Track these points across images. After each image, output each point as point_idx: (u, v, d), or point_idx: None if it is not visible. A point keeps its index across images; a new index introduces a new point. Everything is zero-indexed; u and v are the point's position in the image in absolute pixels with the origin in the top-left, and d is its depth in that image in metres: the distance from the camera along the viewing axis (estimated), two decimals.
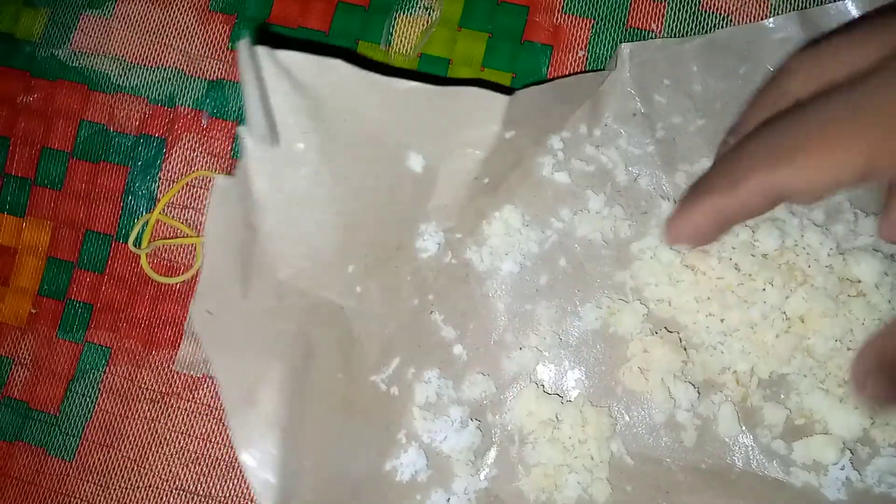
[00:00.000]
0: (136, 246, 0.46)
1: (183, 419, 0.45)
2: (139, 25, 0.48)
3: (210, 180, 0.47)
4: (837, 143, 0.28)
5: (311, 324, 0.40)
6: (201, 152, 0.47)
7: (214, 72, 0.48)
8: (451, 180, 0.41)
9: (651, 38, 0.45)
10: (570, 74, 0.44)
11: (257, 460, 0.37)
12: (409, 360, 0.42)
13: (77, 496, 0.45)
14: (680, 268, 0.40)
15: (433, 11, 0.47)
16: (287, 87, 0.36)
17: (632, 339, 0.41)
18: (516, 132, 0.40)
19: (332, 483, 0.39)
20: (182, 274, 0.46)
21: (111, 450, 0.45)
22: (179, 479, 0.44)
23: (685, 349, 0.40)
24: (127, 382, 0.45)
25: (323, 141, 0.37)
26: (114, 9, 0.49)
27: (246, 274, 0.38)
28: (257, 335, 0.39)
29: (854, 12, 0.41)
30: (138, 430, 0.45)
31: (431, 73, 0.46)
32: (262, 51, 0.35)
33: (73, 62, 0.49)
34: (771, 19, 0.41)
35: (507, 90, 0.39)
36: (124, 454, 0.45)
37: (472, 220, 0.42)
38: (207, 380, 0.45)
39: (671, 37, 0.45)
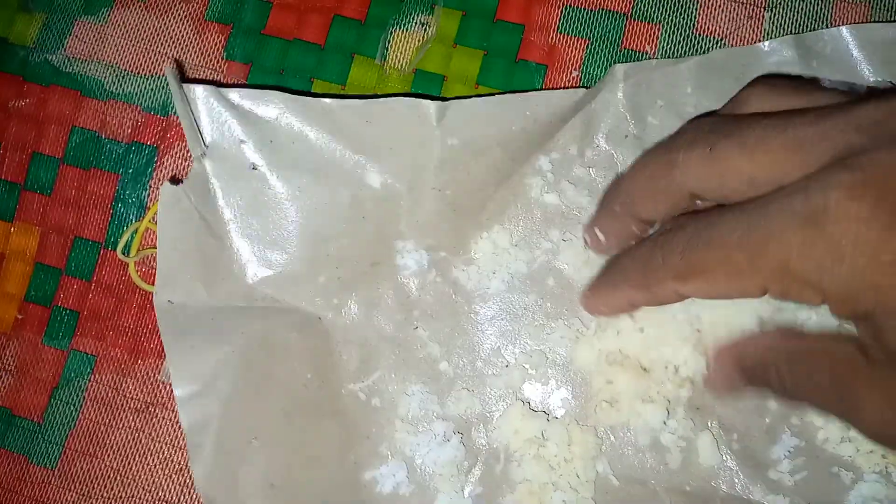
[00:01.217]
0: (124, 254, 0.46)
1: (168, 430, 0.44)
2: (134, 33, 0.48)
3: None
4: (734, 275, 0.30)
5: (281, 326, 0.42)
6: (192, 161, 0.47)
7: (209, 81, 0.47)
8: (413, 195, 0.42)
9: (645, 59, 0.45)
10: (512, 91, 0.44)
11: (193, 422, 0.41)
12: (392, 374, 0.42)
13: None
14: None
15: (429, 27, 0.47)
16: (235, 117, 0.41)
17: (593, 372, 0.41)
18: (460, 140, 0.41)
19: (289, 472, 0.41)
20: None
21: (94, 459, 0.45)
22: (163, 491, 0.44)
23: (646, 370, 0.40)
24: (112, 391, 0.45)
25: (274, 160, 0.41)
26: (109, 16, 0.49)
27: (210, 275, 0.41)
28: (218, 325, 0.41)
29: (848, 39, 0.41)
30: (122, 439, 0.45)
31: (426, 89, 0.46)
32: (203, 88, 0.40)
33: (66, 68, 0.49)
34: (766, 42, 0.42)
35: (441, 99, 0.41)
36: (108, 464, 0.45)
37: (457, 239, 0.43)
38: None
39: (665, 59, 0.45)
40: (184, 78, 0.45)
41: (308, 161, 0.41)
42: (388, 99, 0.41)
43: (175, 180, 0.39)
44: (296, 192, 0.41)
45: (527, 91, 0.43)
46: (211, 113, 0.40)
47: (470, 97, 0.41)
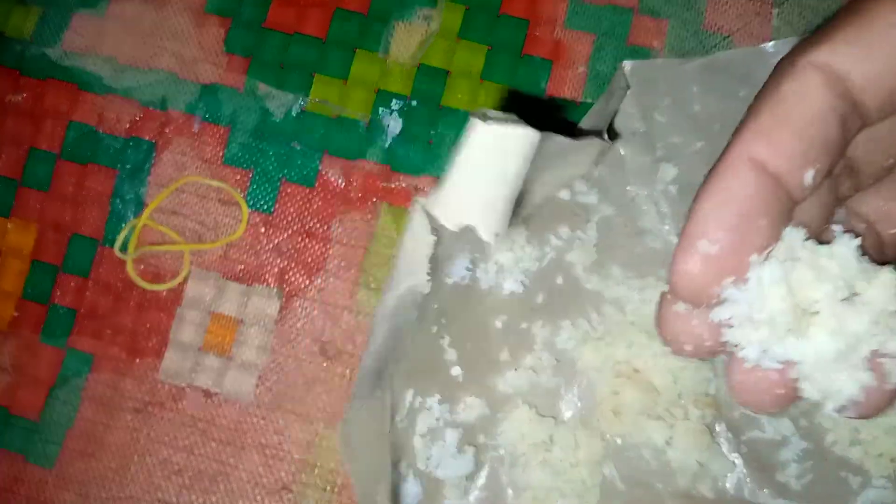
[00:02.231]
0: (122, 251, 0.45)
1: (166, 430, 0.44)
2: (132, 26, 0.48)
3: (200, 186, 0.46)
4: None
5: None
6: (192, 157, 0.46)
7: (208, 76, 0.47)
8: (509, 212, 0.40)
9: (653, 55, 0.44)
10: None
11: None
12: (419, 391, 0.41)
13: None
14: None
15: (432, 21, 0.46)
16: None
17: (599, 382, 0.40)
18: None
19: None
20: (168, 281, 0.45)
21: (92, 459, 0.44)
22: (161, 491, 0.43)
23: (655, 389, 0.40)
24: (110, 390, 0.45)
25: None
26: (107, 9, 0.48)
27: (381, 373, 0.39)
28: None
29: None
30: (120, 439, 0.44)
31: (429, 84, 0.45)
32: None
33: (63, 62, 0.48)
34: (771, 43, 0.41)
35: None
36: (105, 464, 0.44)
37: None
38: (192, 390, 0.44)
39: (672, 55, 0.45)
40: None
41: None
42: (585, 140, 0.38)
43: None
44: None
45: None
46: None
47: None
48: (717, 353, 0.25)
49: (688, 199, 0.41)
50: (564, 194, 0.42)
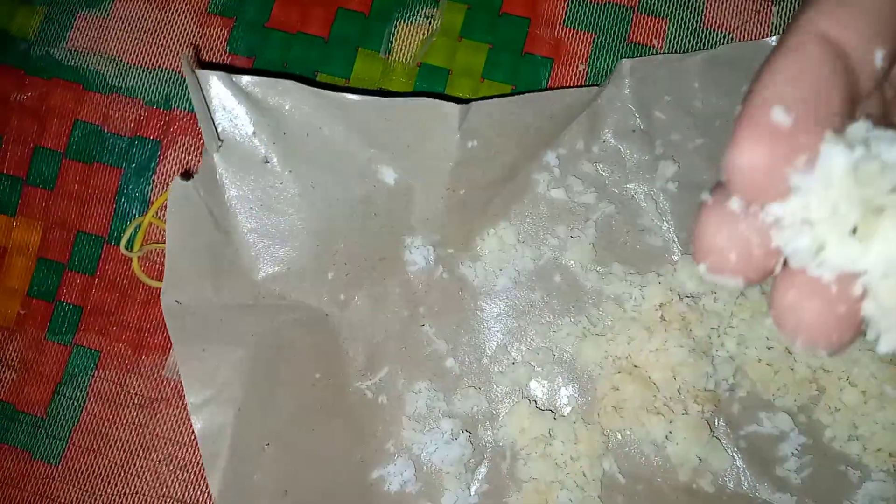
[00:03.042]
0: (127, 249, 0.46)
1: (172, 425, 0.44)
2: (136, 26, 0.48)
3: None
4: None
5: (289, 324, 0.41)
6: (196, 156, 0.46)
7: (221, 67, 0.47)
8: (426, 193, 0.41)
9: (652, 53, 0.45)
10: (549, 89, 0.44)
11: (207, 430, 0.40)
12: (399, 371, 0.42)
13: (62, 501, 0.44)
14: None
15: (434, 21, 0.46)
16: (248, 106, 0.39)
17: (599, 377, 0.41)
18: (479, 142, 0.40)
19: (300, 476, 0.40)
20: None
21: (98, 455, 0.45)
22: (167, 486, 0.44)
23: (655, 384, 0.40)
24: (115, 387, 0.45)
25: (287, 154, 0.40)
26: (111, 8, 0.48)
27: (218, 273, 0.40)
28: (227, 326, 0.40)
29: None
30: (126, 435, 0.45)
31: (431, 82, 0.46)
32: (217, 74, 0.38)
33: (68, 61, 0.48)
34: (773, 37, 0.41)
35: (463, 102, 0.39)
36: (111, 459, 0.44)
37: (464, 235, 0.42)
38: None
39: (672, 53, 0.45)
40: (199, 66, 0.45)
41: (322, 155, 0.40)
42: (411, 99, 0.40)
43: (186, 175, 0.39)
44: (308, 188, 0.40)
45: (543, 90, 0.43)
46: (223, 101, 0.39)
47: (490, 98, 0.41)
48: (761, 273, 0.21)
49: (688, 196, 0.41)
50: (558, 194, 0.42)
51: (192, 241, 0.39)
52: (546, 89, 0.45)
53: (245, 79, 0.39)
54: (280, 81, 0.39)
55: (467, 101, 0.39)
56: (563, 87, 0.44)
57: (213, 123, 0.38)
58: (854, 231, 0.18)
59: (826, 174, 0.18)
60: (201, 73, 0.38)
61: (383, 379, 0.42)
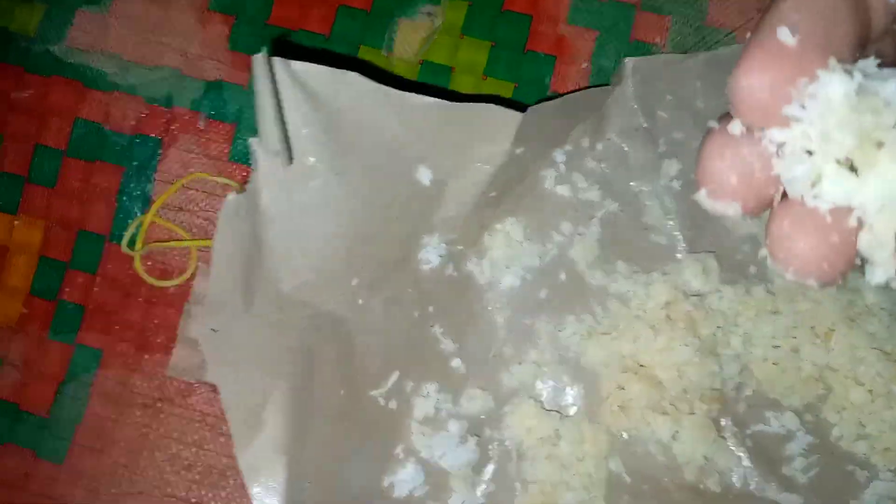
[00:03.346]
0: (129, 247, 0.45)
1: (175, 425, 0.44)
2: (137, 23, 0.48)
3: (207, 183, 0.46)
4: None
5: (313, 337, 0.41)
6: (198, 154, 0.46)
7: (213, 73, 0.47)
8: (458, 194, 0.41)
9: (655, 51, 0.45)
10: (578, 89, 0.44)
11: (265, 489, 0.39)
12: (408, 374, 0.41)
13: (66, 500, 0.44)
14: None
15: (436, 18, 0.46)
16: (301, 98, 0.37)
17: (604, 376, 0.41)
18: (525, 147, 0.40)
19: (331, 497, 0.40)
20: (176, 277, 0.45)
21: (101, 454, 0.45)
22: (170, 486, 0.44)
23: (661, 383, 0.40)
24: (119, 386, 0.45)
25: (335, 154, 0.38)
26: (111, 6, 0.48)
27: (250, 286, 0.39)
28: (260, 351, 0.40)
29: None
30: (129, 435, 0.44)
31: (433, 80, 0.45)
32: (278, 62, 0.35)
33: (68, 58, 0.48)
34: None
35: (519, 106, 0.39)
36: (115, 459, 0.44)
37: (475, 232, 0.42)
38: (200, 386, 0.44)
39: (675, 51, 0.45)
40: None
41: (368, 156, 0.39)
42: (476, 105, 0.39)
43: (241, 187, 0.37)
44: (350, 192, 0.39)
45: (588, 88, 0.43)
46: (287, 91, 0.37)
47: (543, 101, 0.40)
48: (760, 201, 0.21)
49: (691, 194, 0.41)
50: (564, 190, 0.42)
51: (234, 261, 0.39)
52: (576, 90, 0.44)
53: (302, 67, 0.37)
54: (341, 73, 0.37)
55: (525, 107, 0.39)
56: (593, 87, 0.44)
57: (271, 113, 0.36)
58: (851, 164, 0.18)
59: (825, 101, 0.18)
60: (274, 60, 0.36)
61: (394, 384, 0.41)
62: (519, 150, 0.39)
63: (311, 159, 0.38)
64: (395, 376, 0.41)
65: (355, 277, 0.41)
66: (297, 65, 0.36)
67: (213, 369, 0.39)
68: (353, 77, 0.37)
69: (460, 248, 0.42)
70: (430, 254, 0.42)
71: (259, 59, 0.35)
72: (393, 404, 0.41)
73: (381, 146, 0.39)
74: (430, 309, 0.42)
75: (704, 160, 0.21)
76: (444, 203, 0.41)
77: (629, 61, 0.41)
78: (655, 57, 0.42)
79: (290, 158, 0.37)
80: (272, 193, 0.38)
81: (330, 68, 0.37)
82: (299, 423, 0.40)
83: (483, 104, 0.39)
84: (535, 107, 0.39)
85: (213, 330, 0.38)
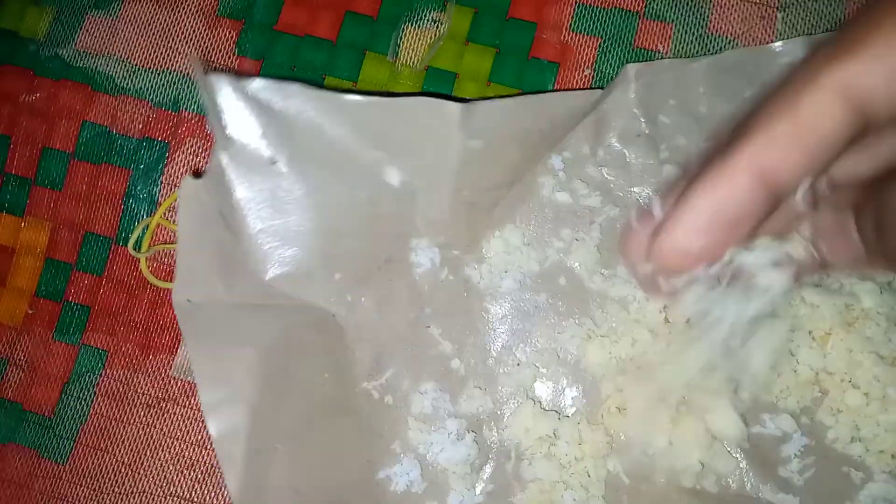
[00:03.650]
0: (135, 249, 0.46)
1: (179, 425, 0.45)
2: (145, 28, 0.48)
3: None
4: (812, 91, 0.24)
5: (298, 324, 0.42)
6: (204, 157, 0.47)
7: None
8: (431, 194, 0.41)
9: (657, 58, 0.45)
10: (533, 92, 0.45)
11: (223, 431, 0.39)
12: (405, 371, 0.42)
13: (70, 500, 0.45)
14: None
15: (441, 24, 0.47)
16: (255, 109, 0.38)
17: (603, 378, 0.41)
18: (483, 142, 0.40)
19: (310, 475, 0.41)
20: None
21: (105, 454, 0.45)
22: (174, 486, 0.44)
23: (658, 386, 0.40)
24: (123, 386, 0.45)
25: (294, 156, 0.40)
26: (120, 10, 0.49)
27: (228, 271, 0.40)
28: (238, 325, 0.41)
29: None
30: (133, 434, 0.45)
31: (438, 86, 0.46)
32: (226, 79, 0.38)
33: (77, 62, 0.48)
34: (779, 43, 0.42)
35: (464, 100, 0.39)
36: (119, 458, 0.45)
37: (470, 238, 0.43)
38: None
39: (678, 58, 0.45)
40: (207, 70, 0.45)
41: (327, 157, 0.40)
42: (412, 98, 0.40)
43: (196, 174, 0.39)
44: (314, 189, 0.40)
45: (546, 91, 0.43)
46: (232, 104, 0.39)
47: (492, 98, 0.41)
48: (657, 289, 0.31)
49: None
50: (564, 197, 0.43)
51: (203, 240, 0.40)
52: (546, 91, 0.45)
53: (253, 83, 0.39)
54: (285, 84, 0.39)
55: (468, 101, 0.40)
56: (565, 90, 0.45)
57: (223, 125, 0.39)
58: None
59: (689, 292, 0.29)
60: (211, 76, 0.38)
61: (389, 379, 0.42)
62: (475, 143, 0.40)
63: (274, 161, 0.39)
64: (389, 372, 0.42)
65: (337, 272, 0.42)
66: (245, 81, 0.38)
67: (187, 334, 0.40)
68: (295, 88, 0.39)
69: (455, 252, 0.43)
70: (422, 257, 0.42)
71: (198, 73, 0.38)
72: (389, 399, 0.42)
73: (336, 148, 0.40)
74: (427, 311, 0.42)
75: (624, 242, 0.30)
76: (421, 204, 0.42)
77: (631, 67, 0.42)
78: (657, 62, 0.42)
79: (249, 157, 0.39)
80: (242, 190, 0.39)
81: (272, 80, 0.39)
82: (270, 388, 0.41)
83: (419, 97, 0.40)
84: (482, 100, 0.39)
85: (189, 301, 0.39)
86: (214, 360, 0.40)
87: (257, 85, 0.38)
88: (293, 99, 0.39)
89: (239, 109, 0.38)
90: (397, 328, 0.42)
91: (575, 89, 0.45)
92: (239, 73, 0.40)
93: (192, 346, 0.40)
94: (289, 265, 0.41)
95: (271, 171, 0.39)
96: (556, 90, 0.45)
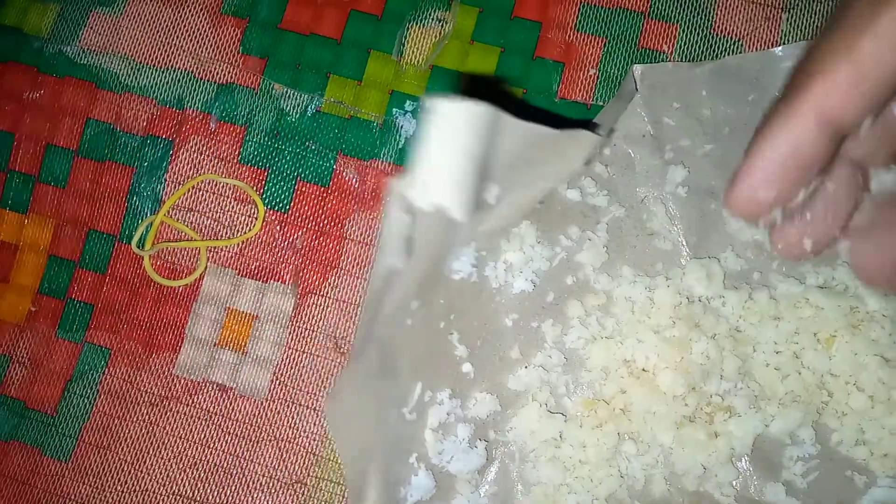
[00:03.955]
0: (139, 247, 0.46)
1: (182, 423, 0.45)
2: (149, 25, 0.48)
3: (216, 184, 0.46)
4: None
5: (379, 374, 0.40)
6: (208, 155, 0.47)
7: (224, 75, 0.47)
8: (510, 208, 0.40)
9: (662, 59, 0.45)
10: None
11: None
12: (429, 384, 0.41)
13: (72, 498, 0.45)
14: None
15: (446, 24, 0.47)
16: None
17: (608, 380, 0.41)
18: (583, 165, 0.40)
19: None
20: (185, 277, 0.46)
21: (108, 452, 0.45)
22: (176, 484, 0.44)
23: (662, 391, 0.40)
24: (126, 384, 0.45)
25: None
26: (124, 7, 0.49)
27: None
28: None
29: None
30: (136, 433, 0.45)
31: (442, 86, 0.46)
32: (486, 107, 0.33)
33: (81, 59, 0.48)
34: (780, 48, 0.42)
35: (592, 125, 0.38)
36: (121, 457, 0.45)
37: (496, 237, 0.42)
38: (207, 384, 0.45)
39: (682, 59, 0.45)
40: None
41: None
42: (563, 132, 0.37)
43: None
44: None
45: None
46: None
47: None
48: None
49: (696, 201, 0.42)
50: (574, 195, 0.43)
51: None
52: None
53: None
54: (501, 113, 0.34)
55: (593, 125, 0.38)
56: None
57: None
58: None
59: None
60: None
61: (418, 397, 0.41)
62: (580, 168, 0.40)
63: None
64: (418, 388, 0.41)
65: (414, 300, 0.40)
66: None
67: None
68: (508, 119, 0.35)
69: (483, 253, 0.42)
70: (463, 263, 0.42)
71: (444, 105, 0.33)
72: (413, 416, 0.41)
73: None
74: (452, 317, 0.42)
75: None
76: (494, 215, 0.40)
77: (638, 68, 0.42)
78: (663, 65, 0.42)
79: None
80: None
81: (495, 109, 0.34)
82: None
83: (578, 130, 0.37)
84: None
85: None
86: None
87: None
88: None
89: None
90: (428, 339, 0.41)
91: (584, 90, 0.45)
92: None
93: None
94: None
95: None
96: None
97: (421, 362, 0.41)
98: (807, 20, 0.44)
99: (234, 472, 0.44)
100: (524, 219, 0.42)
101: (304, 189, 0.46)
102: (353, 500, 0.39)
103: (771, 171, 0.28)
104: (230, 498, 0.44)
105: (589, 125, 0.38)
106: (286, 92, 0.47)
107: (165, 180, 0.47)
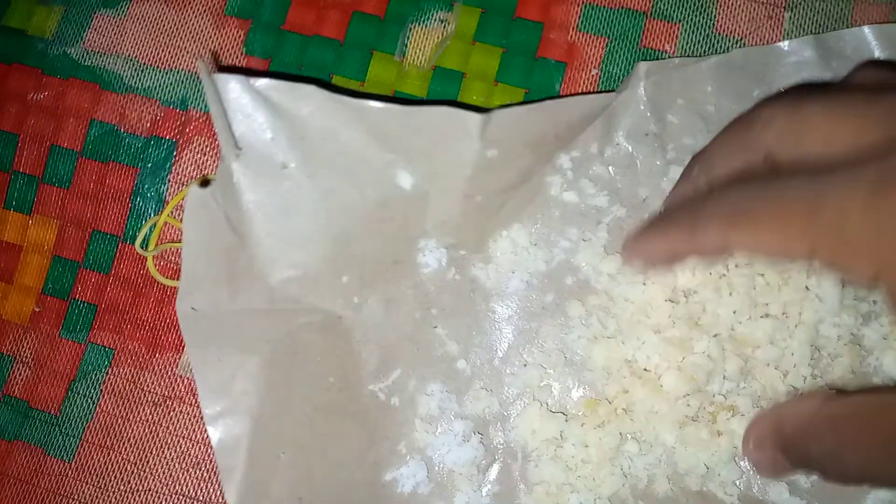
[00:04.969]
0: (142, 248, 0.46)
1: (185, 423, 0.45)
2: (153, 27, 0.48)
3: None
4: (785, 227, 0.28)
5: (304, 328, 0.41)
6: (212, 156, 0.47)
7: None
8: (442, 198, 0.41)
9: (665, 58, 0.45)
10: (566, 95, 0.45)
11: (224, 442, 0.40)
12: (411, 373, 0.42)
13: (75, 497, 0.45)
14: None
15: (448, 24, 0.47)
16: (265, 110, 0.38)
17: (609, 380, 0.41)
18: (499, 151, 0.40)
19: (315, 482, 0.40)
20: None
21: (111, 452, 0.45)
22: (179, 484, 0.44)
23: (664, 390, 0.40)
24: (129, 384, 0.45)
25: (305, 159, 0.39)
26: (128, 9, 0.49)
27: (233, 277, 0.40)
28: (242, 332, 0.40)
29: (870, 38, 0.41)
30: (139, 432, 0.45)
31: (445, 86, 0.46)
32: (235, 78, 0.37)
33: (85, 61, 0.49)
34: (786, 42, 0.42)
35: (482, 110, 0.39)
36: (124, 457, 0.45)
37: (477, 238, 0.43)
38: None
39: (687, 57, 0.45)
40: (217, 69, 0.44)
41: (340, 160, 0.39)
42: (432, 108, 0.39)
43: (204, 182, 0.38)
44: (326, 193, 0.40)
45: (563, 97, 0.43)
46: (241, 105, 0.38)
47: (509, 106, 0.40)
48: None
49: None
50: (571, 196, 0.43)
51: (209, 248, 0.39)
52: (563, 96, 0.45)
53: (263, 82, 0.38)
54: (299, 86, 0.38)
55: (487, 111, 0.39)
56: (581, 94, 0.45)
57: (231, 128, 0.38)
58: None
59: None
60: (219, 76, 0.38)
61: (396, 381, 0.42)
62: (490, 153, 0.40)
63: (283, 163, 0.39)
64: (396, 373, 0.42)
65: (345, 275, 0.42)
66: (258, 81, 0.38)
67: (189, 343, 0.40)
68: (311, 89, 0.38)
69: (462, 252, 0.42)
70: (429, 257, 0.42)
71: (203, 72, 0.37)
72: (396, 401, 0.42)
73: (349, 151, 0.39)
74: (433, 311, 0.42)
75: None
76: (432, 208, 0.41)
77: (642, 65, 0.42)
78: (667, 61, 0.42)
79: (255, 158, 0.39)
80: (250, 193, 0.39)
81: (287, 82, 0.38)
82: (273, 395, 0.40)
83: (440, 107, 0.39)
84: (499, 110, 0.39)
85: (194, 309, 0.39)
86: (217, 370, 0.40)
87: (268, 84, 0.38)
88: (306, 100, 0.38)
89: (248, 110, 0.38)
90: (404, 329, 0.42)
91: (589, 92, 0.45)
92: (246, 72, 0.39)
93: (194, 356, 0.40)
94: (296, 269, 0.41)
95: (282, 175, 0.39)
96: (574, 94, 0.45)
97: (394, 348, 0.42)
98: (810, 18, 0.44)
99: None
100: (514, 221, 0.42)
101: None
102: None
103: (660, 250, 0.35)
104: None
105: (457, 106, 0.39)
106: None
107: (169, 181, 0.47)
